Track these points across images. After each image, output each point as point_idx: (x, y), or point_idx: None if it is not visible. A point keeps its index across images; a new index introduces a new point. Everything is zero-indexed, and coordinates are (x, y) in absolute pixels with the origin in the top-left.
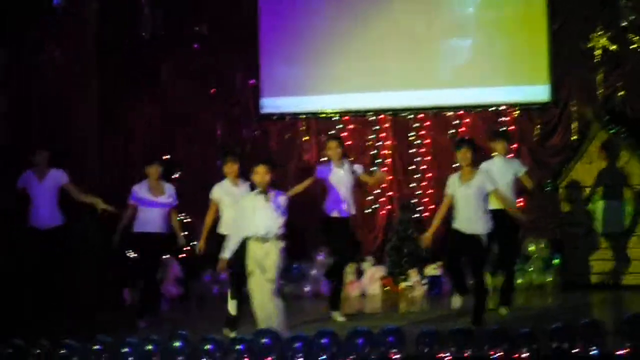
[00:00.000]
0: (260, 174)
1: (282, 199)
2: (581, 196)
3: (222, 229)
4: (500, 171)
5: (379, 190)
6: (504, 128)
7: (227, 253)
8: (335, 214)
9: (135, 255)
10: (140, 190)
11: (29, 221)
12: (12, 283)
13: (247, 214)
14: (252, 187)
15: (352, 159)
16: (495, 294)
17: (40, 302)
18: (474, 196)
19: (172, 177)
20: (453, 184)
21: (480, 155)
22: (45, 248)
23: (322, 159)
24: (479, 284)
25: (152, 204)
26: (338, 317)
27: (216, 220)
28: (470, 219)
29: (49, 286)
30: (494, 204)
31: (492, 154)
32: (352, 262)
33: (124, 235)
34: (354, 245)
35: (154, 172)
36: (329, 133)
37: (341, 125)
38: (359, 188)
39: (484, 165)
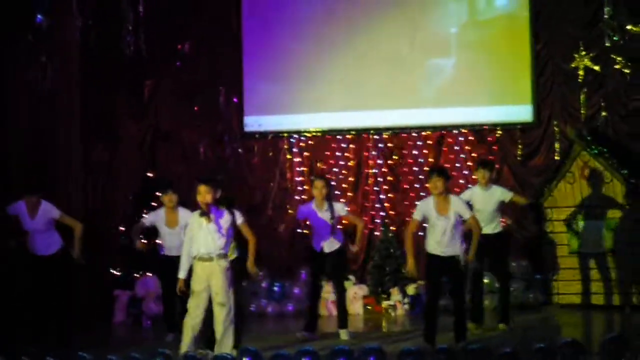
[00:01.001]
0: (202, 193)
1: (224, 220)
2: (563, 216)
3: None
4: (482, 201)
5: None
6: (486, 157)
7: (182, 273)
8: (316, 249)
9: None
10: (156, 219)
11: (27, 247)
12: (8, 306)
13: (194, 233)
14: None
15: (333, 178)
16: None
17: (37, 323)
18: (452, 225)
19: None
20: (427, 210)
21: (464, 175)
22: (43, 274)
23: (303, 178)
24: (459, 302)
25: (170, 233)
26: (344, 335)
27: None
28: (448, 245)
29: (46, 309)
30: (486, 229)
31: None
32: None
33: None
34: (335, 275)
35: (168, 200)
36: (316, 175)
37: (323, 144)
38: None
39: (466, 193)
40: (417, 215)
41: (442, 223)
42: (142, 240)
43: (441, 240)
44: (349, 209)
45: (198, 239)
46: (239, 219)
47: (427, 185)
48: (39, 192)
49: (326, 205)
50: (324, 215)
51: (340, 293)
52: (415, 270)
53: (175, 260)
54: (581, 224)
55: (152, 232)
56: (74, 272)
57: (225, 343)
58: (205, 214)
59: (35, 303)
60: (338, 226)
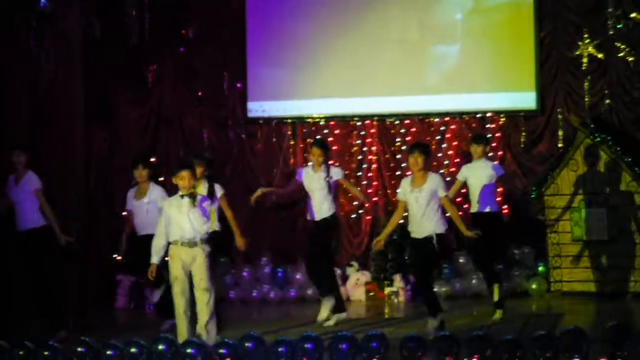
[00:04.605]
0: (185, 178)
1: (207, 203)
2: (566, 203)
3: None
4: (476, 174)
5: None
6: (481, 133)
7: (155, 258)
8: (308, 217)
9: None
10: (130, 193)
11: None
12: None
13: (173, 218)
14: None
15: (338, 164)
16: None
17: (26, 303)
18: (425, 199)
19: (158, 180)
20: (404, 188)
21: (466, 159)
22: (26, 250)
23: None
24: (425, 281)
25: (135, 207)
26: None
27: None
28: (422, 223)
29: (33, 288)
30: (479, 207)
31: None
32: (319, 262)
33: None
34: (322, 248)
35: (139, 175)
36: (316, 138)
37: (327, 130)
38: (344, 194)
39: (464, 168)
40: (399, 195)
41: (415, 195)
42: None
43: (414, 217)
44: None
45: (180, 224)
46: (219, 192)
47: (409, 161)
48: (27, 150)
49: (323, 170)
50: (319, 178)
51: (323, 263)
52: (379, 242)
53: (140, 239)
54: (583, 211)
55: None
56: (55, 254)
57: (211, 330)
58: (192, 196)
59: (22, 280)
60: (332, 197)
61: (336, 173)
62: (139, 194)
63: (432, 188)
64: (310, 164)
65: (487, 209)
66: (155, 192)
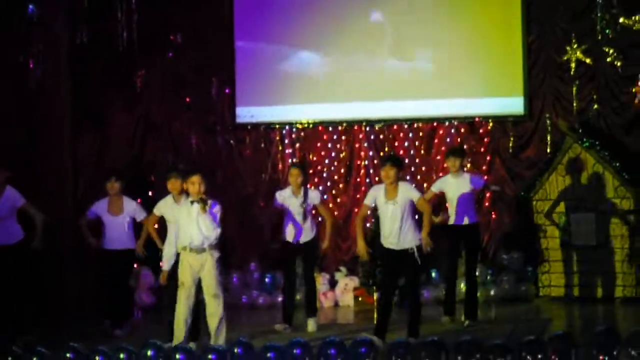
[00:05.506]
0: (196, 183)
1: (218, 209)
2: (554, 209)
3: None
4: (454, 189)
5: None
6: (457, 146)
7: (166, 265)
8: (287, 239)
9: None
10: (98, 207)
11: None
12: None
13: (182, 224)
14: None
15: (323, 169)
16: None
17: (12, 311)
18: (401, 211)
19: (148, 183)
20: (377, 197)
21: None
22: (4, 265)
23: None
24: (415, 298)
25: (111, 222)
26: (312, 325)
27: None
28: (399, 235)
29: (10, 299)
30: (460, 219)
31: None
32: (308, 282)
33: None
34: (310, 268)
35: (110, 187)
36: (293, 161)
37: (315, 136)
38: (333, 199)
39: (437, 183)
40: (367, 200)
41: (391, 208)
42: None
43: (392, 229)
44: (325, 198)
45: (190, 230)
46: None
47: (380, 173)
48: (7, 169)
49: (302, 192)
50: (299, 201)
51: (310, 284)
52: (365, 253)
53: (114, 254)
54: (571, 216)
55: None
56: (35, 265)
57: (221, 335)
58: (200, 202)
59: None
60: (311, 218)
61: (314, 198)
62: (115, 209)
63: (405, 198)
64: (288, 187)
65: (466, 221)
66: (131, 205)
